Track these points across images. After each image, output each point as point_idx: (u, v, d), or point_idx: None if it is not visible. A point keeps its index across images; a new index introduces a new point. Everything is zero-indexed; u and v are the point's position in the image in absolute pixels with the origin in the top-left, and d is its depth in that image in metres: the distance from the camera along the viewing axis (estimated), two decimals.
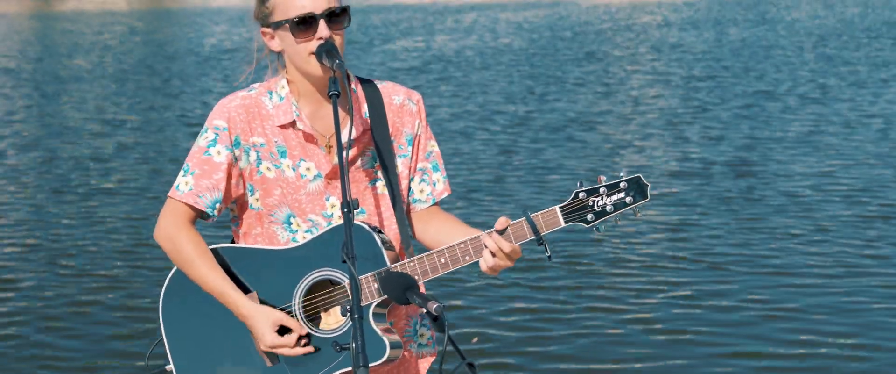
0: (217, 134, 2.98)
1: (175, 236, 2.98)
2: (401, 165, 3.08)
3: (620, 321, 6.70)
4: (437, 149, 3.15)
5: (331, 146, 3.01)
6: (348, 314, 2.63)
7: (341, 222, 2.93)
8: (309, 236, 2.98)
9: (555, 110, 14.03)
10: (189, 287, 3.01)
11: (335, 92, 2.82)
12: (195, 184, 2.98)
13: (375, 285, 2.90)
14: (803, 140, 11.86)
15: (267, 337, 2.92)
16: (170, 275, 3.05)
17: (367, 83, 3.08)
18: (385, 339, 2.89)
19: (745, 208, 9.12)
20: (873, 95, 14.85)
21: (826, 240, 8.21)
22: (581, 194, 2.92)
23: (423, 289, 3.01)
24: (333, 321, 2.96)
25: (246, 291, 2.99)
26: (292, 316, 2.97)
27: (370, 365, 2.84)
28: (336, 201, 3.01)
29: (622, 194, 2.93)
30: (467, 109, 14.28)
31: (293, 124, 2.99)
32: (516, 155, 11.34)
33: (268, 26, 2.96)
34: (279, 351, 2.93)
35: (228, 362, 3.02)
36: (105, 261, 8.01)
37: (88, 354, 6.36)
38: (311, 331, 2.95)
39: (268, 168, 3.01)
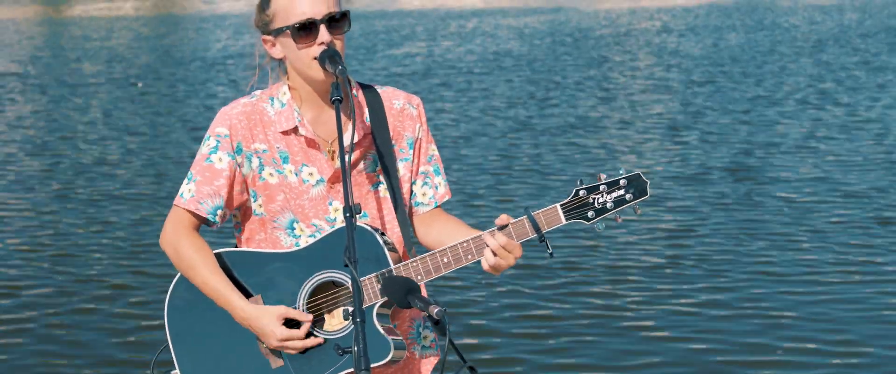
0: (219, 141, 2.99)
1: (177, 242, 2.99)
2: (402, 169, 3.09)
3: (619, 326, 6.67)
4: (437, 153, 3.16)
5: (333, 151, 3.01)
6: (351, 316, 2.67)
7: (344, 225, 2.90)
8: (312, 241, 2.97)
9: (555, 115, 14.00)
10: (193, 293, 3.01)
11: (337, 97, 2.83)
12: (197, 191, 2.99)
13: (378, 286, 2.90)
14: (801, 145, 11.83)
15: (276, 332, 2.90)
16: (174, 281, 3.05)
17: (367, 88, 3.09)
18: (389, 339, 2.89)
19: (743, 213, 9.08)
20: (870, 99, 14.82)
21: (824, 244, 8.17)
22: (581, 192, 2.92)
23: (424, 292, 3.02)
24: (338, 322, 2.95)
25: (249, 294, 2.98)
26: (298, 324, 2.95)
27: (373, 366, 2.87)
28: (339, 204, 3.02)
29: (622, 192, 2.92)
30: (468, 113, 14.25)
31: (295, 130, 3.00)
32: (517, 159, 11.31)
33: (269, 34, 2.96)
34: (290, 344, 2.91)
35: (233, 366, 3.01)
36: (109, 266, 7.98)
37: (92, 360, 6.33)
38: (315, 332, 2.94)
39: (270, 174, 3.01)
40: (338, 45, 2.90)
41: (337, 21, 2.90)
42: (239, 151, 3.00)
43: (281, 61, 3.00)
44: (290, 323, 2.94)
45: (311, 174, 3.01)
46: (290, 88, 3.01)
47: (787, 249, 8.10)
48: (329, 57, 2.86)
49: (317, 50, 2.88)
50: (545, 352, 6.32)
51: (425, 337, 3.18)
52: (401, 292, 2.76)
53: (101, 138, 12.98)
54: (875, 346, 6.30)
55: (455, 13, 32.41)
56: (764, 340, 6.41)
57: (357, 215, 2.73)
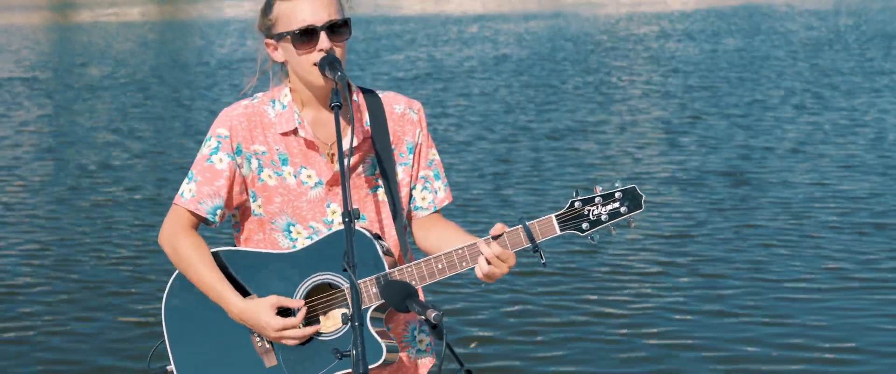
0: (219, 142, 3.00)
1: (176, 240, 3.00)
2: (401, 173, 3.08)
3: (616, 329, 6.63)
4: (437, 157, 3.15)
5: (332, 153, 3.01)
6: (349, 321, 2.65)
7: (342, 227, 2.94)
8: (309, 243, 2.98)
9: (554, 120, 13.96)
10: (190, 290, 3.01)
11: (337, 103, 2.83)
12: (197, 191, 3.00)
13: (374, 290, 2.90)
14: (798, 149, 11.78)
15: (272, 322, 2.90)
16: (172, 278, 3.06)
17: (368, 93, 3.08)
18: (381, 343, 2.89)
19: (739, 217, 9.03)
20: (866, 104, 14.77)
21: (820, 248, 8.13)
22: (577, 203, 2.91)
23: (422, 296, 3.00)
24: (332, 323, 2.94)
25: (246, 293, 2.98)
26: (292, 315, 2.95)
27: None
28: (337, 207, 3.01)
29: (617, 204, 2.91)
30: (468, 118, 14.21)
31: (295, 132, 3.00)
32: (516, 164, 11.27)
33: (271, 37, 2.96)
34: (288, 334, 2.90)
35: (228, 363, 3.01)
36: (113, 268, 7.95)
37: (95, 364, 6.29)
38: (313, 335, 2.94)
39: (269, 176, 3.01)
40: (338, 51, 2.90)
41: (337, 28, 2.91)
42: (239, 152, 3.00)
43: (283, 64, 3.01)
44: (285, 315, 2.93)
45: (309, 176, 3.01)
46: (291, 90, 3.01)
47: (783, 253, 8.05)
48: (328, 63, 2.86)
49: (317, 56, 2.89)
50: (541, 356, 6.27)
51: (420, 341, 3.18)
52: (399, 296, 2.76)
53: (106, 143, 12.95)
54: (872, 350, 6.26)
55: (456, 18, 32.38)
56: (760, 344, 6.37)
57: (356, 220, 2.73)
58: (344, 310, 2.93)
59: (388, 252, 2.96)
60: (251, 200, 3.05)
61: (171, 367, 3.07)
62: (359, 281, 2.89)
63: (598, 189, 2.92)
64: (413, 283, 2.90)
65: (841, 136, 12.51)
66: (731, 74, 18.34)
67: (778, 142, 12.20)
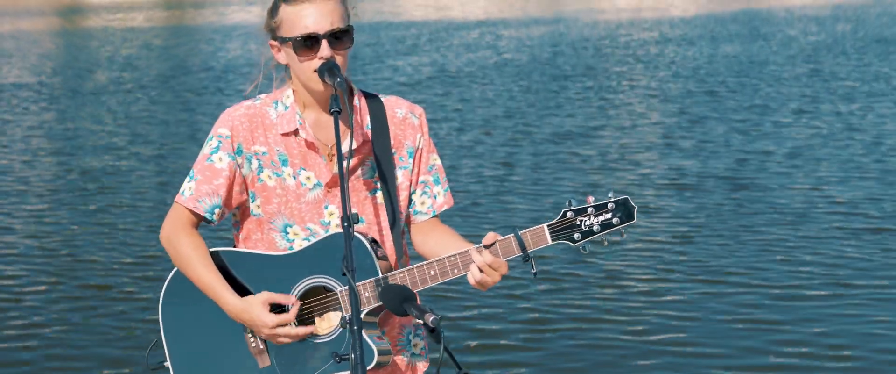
0: (220, 142, 3.01)
1: (175, 238, 3.01)
2: (401, 177, 3.08)
3: (615, 334, 6.60)
4: (439, 162, 3.14)
5: (332, 155, 3.01)
6: (347, 325, 2.65)
7: (338, 230, 2.95)
8: (306, 244, 2.98)
9: (554, 124, 13.93)
10: (188, 288, 3.02)
11: (336, 109, 2.82)
12: (196, 189, 3.01)
13: (366, 294, 2.90)
14: (795, 154, 11.75)
15: (266, 319, 2.90)
16: (170, 275, 3.07)
17: (370, 97, 3.08)
18: (373, 345, 2.89)
19: (737, 221, 9.01)
20: (863, 109, 14.74)
21: (818, 253, 8.10)
22: (569, 213, 2.91)
23: (417, 300, 2.97)
24: (326, 326, 2.94)
25: (242, 293, 2.98)
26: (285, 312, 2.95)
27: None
28: (334, 209, 3.01)
29: (610, 215, 2.90)
30: (469, 122, 14.19)
31: (296, 133, 3.00)
32: (516, 168, 11.25)
33: (275, 39, 2.96)
34: (282, 331, 2.89)
35: (223, 361, 3.02)
36: (118, 272, 7.93)
37: (100, 368, 6.27)
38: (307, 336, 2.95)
39: (269, 176, 3.02)
40: (339, 59, 2.90)
41: (339, 37, 2.91)
42: (239, 152, 3.01)
43: (286, 66, 3.01)
44: (278, 312, 2.93)
45: (308, 178, 3.01)
46: (293, 91, 3.02)
47: (780, 257, 8.03)
48: (328, 70, 2.86)
49: (317, 63, 2.89)
50: (540, 358, 6.25)
51: (415, 345, 3.18)
52: (397, 300, 2.76)
53: (112, 147, 12.93)
54: (868, 355, 6.23)
55: (458, 23, 32.37)
56: (758, 349, 6.34)
57: (354, 225, 2.73)
58: (339, 313, 2.94)
59: (383, 257, 2.96)
60: (250, 200, 3.05)
61: (168, 363, 3.09)
62: (357, 284, 2.88)
63: (591, 200, 2.92)
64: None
65: (839, 140, 12.48)
66: (730, 78, 18.31)
67: (776, 147, 12.17)
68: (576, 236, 2.90)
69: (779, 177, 10.63)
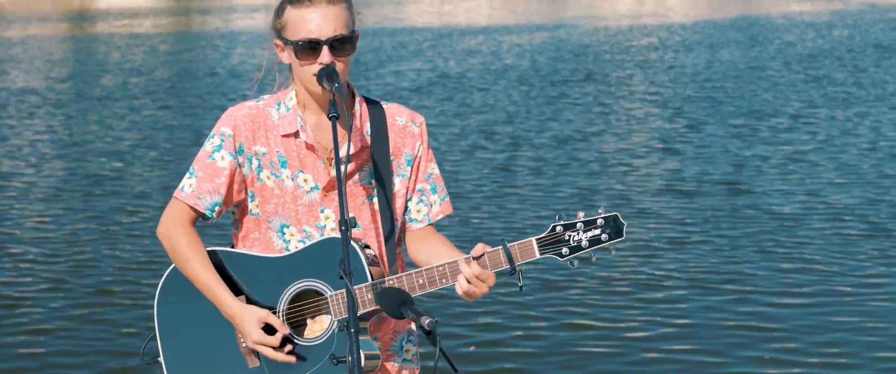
0: (222, 140, 3.01)
1: (174, 235, 3.01)
2: (398, 184, 3.07)
3: (613, 337, 6.57)
4: (437, 171, 3.13)
5: (330, 158, 3.00)
6: (345, 327, 2.67)
7: (333, 234, 2.96)
8: (301, 246, 2.99)
9: (553, 129, 13.90)
10: (184, 286, 3.03)
11: (334, 114, 2.81)
12: (197, 186, 3.01)
13: (360, 298, 2.90)
14: (792, 159, 11.72)
15: (253, 334, 2.91)
16: (166, 273, 3.07)
17: (372, 103, 3.07)
18: (361, 350, 2.87)
19: (734, 226, 8.97)
20: (859, 114, 14.71)
21: (813, 257, 8.06)
22: (558, 228, 2.89)
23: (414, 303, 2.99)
24: (318, 328, 2.96)
25: (236, 293, 2.99)
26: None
27: None
28: (330, 213, 3.01)
29: (598, 231, 2.90)
30: (469, 127, 14.17)
31: (296, 134, 3.00)
32: (516, 173, 11.21)
33: (280, 39, 2.97)
34: (263, 350, 2.92)
35: (214, 358, 3.03)
36: (123, 276, 7.91)
37: (106, 370, 6.24)
38: (293, 336, 2.96)
39: (268, 177, 3.02)
40: (339, 66, 2.89)
41: (341, 44, 2.90)
42: (241, 151, 3.01)
43: (290, 66, 3.02)
44: (271, 330, 2.95)
45: (306, 180, 3.01)
46: (296, 93, 3.02)
47: (777, 262, 7.99)
48: (326, 75, 2.86)
49: (317, 68, 2.89)
50: (537, 362, 6.21)
51: (407, 350, 3.17)
52: (394, 303, 2.76)
53: (117, 151, 12.91)
54: (865, 358, 6.20)
55: (461, 29, 32.36)
56: (754, 352, 6.30)
57: (351, 229, 2.73)
58: (329, 316, 2.94)
59: (374, 263, 2.95)
60: (249, 199, 3.05)
61: (161, 358, 3.11)
62: (344, 290, 2.89)
63: (581, 215, 2.91)
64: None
65: (835, 146, 12.45)
66: (729, 84, 18.28)
67: (773, 152, 12.14)
68: (564, 250, 2.89)
69: (775, 182, 10.59)
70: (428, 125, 3.12)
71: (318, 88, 2.91)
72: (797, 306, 7.03)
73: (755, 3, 41.93)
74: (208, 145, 3.03)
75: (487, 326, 6.78)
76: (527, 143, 12.96)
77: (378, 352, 2.96)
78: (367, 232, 3.04)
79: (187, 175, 3.04)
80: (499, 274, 2.91)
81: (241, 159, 3.01)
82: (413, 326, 3.18)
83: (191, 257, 2.98)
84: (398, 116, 3.08)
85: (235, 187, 3.03)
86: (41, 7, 47.68)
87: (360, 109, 3.04)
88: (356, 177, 3.03)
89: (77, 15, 43.01)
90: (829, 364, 6.14)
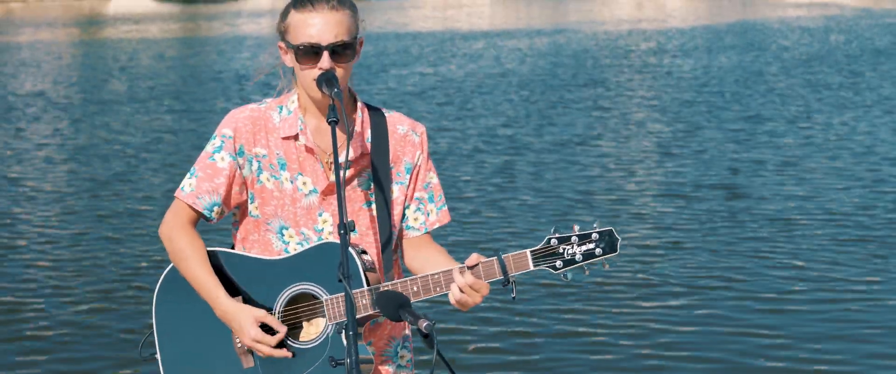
0: (223, 141, 3.01)
1: (174, 234, 3.01)
2: (397, 192, 3.05)
3: (610, 340, 6.52)
4: (435, 181, 3.11)
5: (330, 162, 2.98)
6: (343, 330, 2.69)
7: (331, 238, 2.95)
8: (299, 249, 2.98)
9: (553, 134, 13.87)
10: (182, 285, 3.02)
11: (333, 119, 2.81)
12: (197, 186, 3.00)
13: (357, 302, 2.89)
14: (789, 164, 11.68)
15: (250, 331, 2.89)
16: (165, 272, 3.06)
17: (374, 110, 3.06)
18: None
19: (731, 229, 8.93)
20: (854, 119, 14.67)
21: (811, 260, 8.02)
22: (553, 241, 2.87)
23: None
24: (313, 331, 2.95)
25: (233, 294, 2.97)
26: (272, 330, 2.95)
27: None
28: (328, 216, 2.99)
29: (593, 245, 2.87)
30: (469, 132, 14.13)
31: (296, 137, 2.99)
32: (515, 177, 11.18)
33: (283, 42, 2.95)
34: (259, 348, 2.90)
35: (209, 358, 3.02)
36: (128, 279, 7.87)
37: (109, 371, 6.21)
38: (288, 339, 2.95)
39: (267, 179, 3.01)
40: (339, 71, 2.88)
41: (342, 50, 2.88)
42: (241, 153, 3.00)
43: (293, 68, 3.00)
44: (268, 329, 2.94)
45: (305, 183, 2.99)
46: (298, 96, 3.01)
47: (773, 265, 7.95)
48: (326, 80, 2.85)
49: (317, 73, 2.88)
50: (534, 365, 6.18)
51: (402, 356, 3.16)
52: (392, 306, 2.74)
53: (123, 155, 12.89)
54: (860, 363, 6.15)
55: (463, 34, 32.34)
56: (751, 355, 6.27)
57: (350, 233, 2.72)
58: (324, 319, 2.93)
59: (371, 269, 2.94)
60: (249, 201, 3.04)
61: (158, 356, 3.10)
62: (340, 294, 2.88)
63: (576, 228, 2.89)
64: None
65: (831, 150, 12.40)
66: (726, 88, 18.24)
67: (770, 156, 12.09)
68: (558, 263, 2.87)
69: (772, 186, 10.55)
70: (429, 129, 3.07)
71: (317, 93, 2.90)
72: (794, 312, 6.99)
73: (752, 8, 41.93)
74: (209, 146, 3.03)
75: (485, 329, 6.73)
76: (526, 147, 12.92)
77: (371, 357, 2.95)
78: (364, 238, 3.03)
79: (188, 175, 3.03)
80: (492, 284, 2.89)
81: (241, 161, 3.00)
82: (408, 332, 3.17)
83: (188, 257, 2.97)
84: (399, 125, 3.06)
85: (235, 188, 3.01)
86: (51, 12, 47.72)
87: (362, 115, 3.02)
88: (355, 182, 3.01)
89: (86, 20, 43.04)
90: (826, 372, 6.09)
